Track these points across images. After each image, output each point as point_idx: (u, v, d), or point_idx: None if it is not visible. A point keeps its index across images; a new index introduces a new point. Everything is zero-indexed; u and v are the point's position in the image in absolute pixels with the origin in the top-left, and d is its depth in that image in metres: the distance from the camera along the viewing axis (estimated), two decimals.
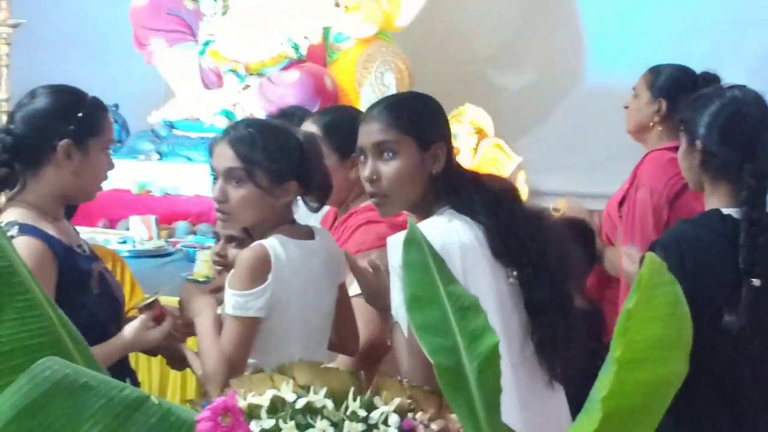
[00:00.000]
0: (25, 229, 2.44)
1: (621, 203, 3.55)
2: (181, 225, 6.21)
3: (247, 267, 2.40)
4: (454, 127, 5.77)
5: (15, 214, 2.48)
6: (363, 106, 6.23)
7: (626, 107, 3.74)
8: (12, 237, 2.36)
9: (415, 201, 2.39)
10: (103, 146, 2.56)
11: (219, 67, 6.92)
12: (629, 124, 3.72)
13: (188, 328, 2.60)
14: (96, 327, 2.44)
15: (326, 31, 6.91)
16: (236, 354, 2.38)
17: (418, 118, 2.40)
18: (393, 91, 6.68)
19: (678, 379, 1.22)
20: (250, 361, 2.45)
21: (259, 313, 2.40)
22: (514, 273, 2.35)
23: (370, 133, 2.39)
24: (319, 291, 2.53)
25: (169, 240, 5.91)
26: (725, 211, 2.55)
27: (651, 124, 3.62)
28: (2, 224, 2.41)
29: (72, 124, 2.50)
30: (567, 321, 2.37)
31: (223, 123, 6.91)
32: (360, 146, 2.42)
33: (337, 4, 6.68)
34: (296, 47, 6.75)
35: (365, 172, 2.39)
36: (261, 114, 6.78)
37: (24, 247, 2.36)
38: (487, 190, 2.40)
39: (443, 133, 2.44)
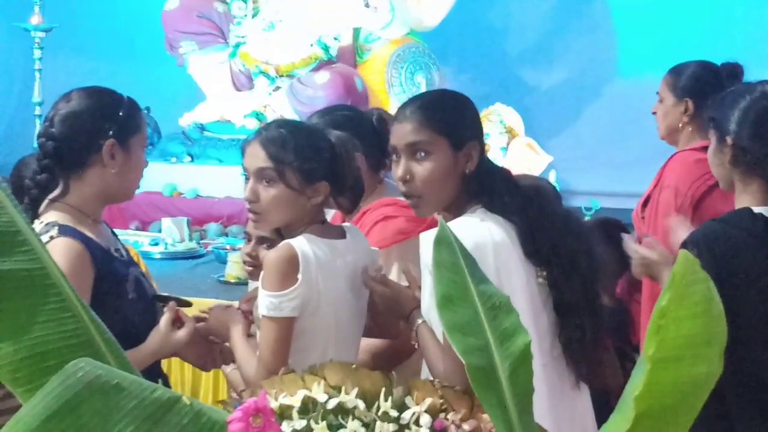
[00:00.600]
0: (65, 230, 2.43)
1: (645, 204, 3.51)
2: (212, 227, 6.23)
3: (277, 267, 2.41)
4: (485, 126, 5.76)
5: (55, 216, 2.47)
6: (393, 107, 6.24)
7: (654, 113, 3.71)
8: (52, 238, 2.36)
9: (449, 200, 2.38)
10: (142, 144, 2.58)
11: (249, 69, 6.94)
12: (660, 130, 3.68)
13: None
14: (131, 331, 2.44)
15: (356, 31, 6.92)
16: (275, 356, 2.38)
17: (451, 117, 2.39)
18: (423, 91, 6.68)
19: (712, 378, 1.20)
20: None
21: (293, 312, 2.39)
22: (544, 273, 2.34)
23: (403, 134, 2.39)
24: (350, 289, 2.52)
25: (200, 242, 5.94)
26: (756, 209, 2.52)
27: (680, 125, 3.57)
28: (42, 225, 2.42)
29: (115, 124, 2.49)
30: (595, 322, 2.35)
31: (253, 125, 6.94)
32: (393, 146, 2.41)
33: (367, 5, 6.68)
34: (326, 48, 6.76)
35: (398, 171, 2.39)
36: (292, 115, 6.80)
37: (63, 248, 2.36)
38: (519, 189, 2.39)
39: (476, 132, 2.42)
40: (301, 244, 2.42)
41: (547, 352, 2.33)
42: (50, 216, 2.47)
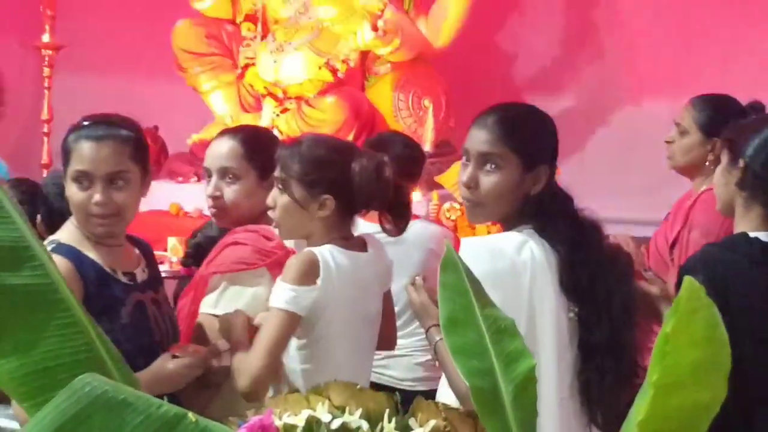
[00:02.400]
0: (59, 248, 2.46)
1: (672, 246, 3.48)
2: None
3: (298, 267, 2.48)
4: None
5: (62, 233, 2.52)
6: (400, 129, 6.25)
7: (669, 141, 3.67)
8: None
9: (505, 216, 2.37)
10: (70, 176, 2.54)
11: (257, 90, 6.97)
12: (676, 161, 3.65)
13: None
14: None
15: (364, 55, 6.94)
16: (276, 348, 2.45)
17: (529, 137, 2.37)
18: (430, 115, 6.69)
19: (716, 403, 1.21)
20: (302, 366, 2.53)
21: (304, 311, 2.46)
22: (576, 309, 2.30)
23: (478, 141, 2.36)
24: (367, 300, 2.59)
25: None
26: (752, 234, 2.54)
27: (707, 163, 3.53)
28: (47, 242, 2.46)
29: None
30: (618, 368, 2.28)
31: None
32: (466, 149, 2.39)
33: (376, 29, 6.71)
34: (334, 70, 6.79)
35: (464, 176, 2.37)
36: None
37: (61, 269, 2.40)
38: (575, 220, 2.36)
39: (550, 155, 2.40)
40: (324, 252, 2.51)
41: (568, 386, 2.29)
42: (58, 233, 2.52)
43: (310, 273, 2.46)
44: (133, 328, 2.52)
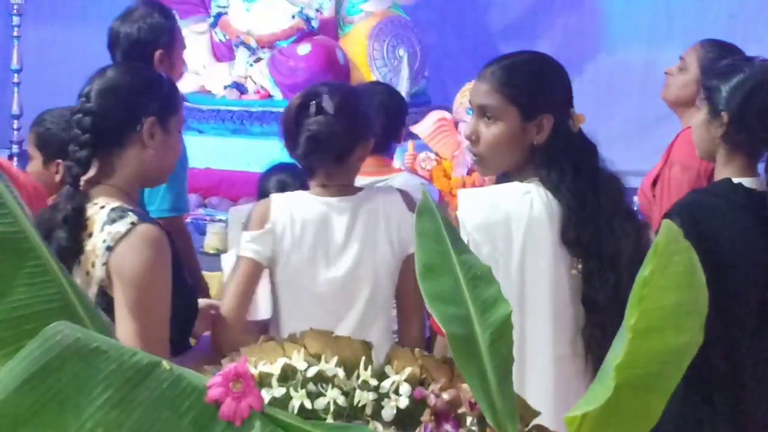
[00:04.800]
0: (142, 216, 2.30)
1: (654, 183, 3.48)
2: (191, 198, 6.20)
3: (250, 215, 2.61)
4: (465, 100, 5.74)
5: (107, 199, 2.31)
6: (374, 79, 6.21)
7: (667, 73, 3.66)
8: (133, 224, 2.22)
9: (511, 166, 2.33)
10: (179, 126, 2.46)
11: (230, 39, 6.90)
12: (669, 94, 3.64)
13: None
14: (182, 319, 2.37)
15: (338, 3, 6.88)
16: (237, 293, 2.55)
17: (527, 86, 2.31)
18: (405, 64, 6.65)
19: (693, 347, 1.21)
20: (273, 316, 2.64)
21: (255, 255, 2.55)
22: (579, 266, 2.25)
23: (477, 93, 2.33)
24: (340, 250, 2.56)
25: None
26: (735, 180, 2.53)
27: (697, 103, 3.53)
28: (107, 210, 2.27)
29: (157, 101, 2.36)
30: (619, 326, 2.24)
31: (234, 96, 6.90)
32: (469, 101, 2.39)
33: None
34: (308, 20, 6.73)
35: (467, 129, 2.36)
36: (271, 86, 6.76)
37: (153, 236, 2.24)
38: (589, 173, 2.29)
39: (554, 104, 2.32)
40: (279, 196, 2.63)
41: (567, 344, 2.26)
42: (103, 198, 2.32)
43: (259, 219, 2.57)
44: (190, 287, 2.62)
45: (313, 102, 2.58)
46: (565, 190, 2.25)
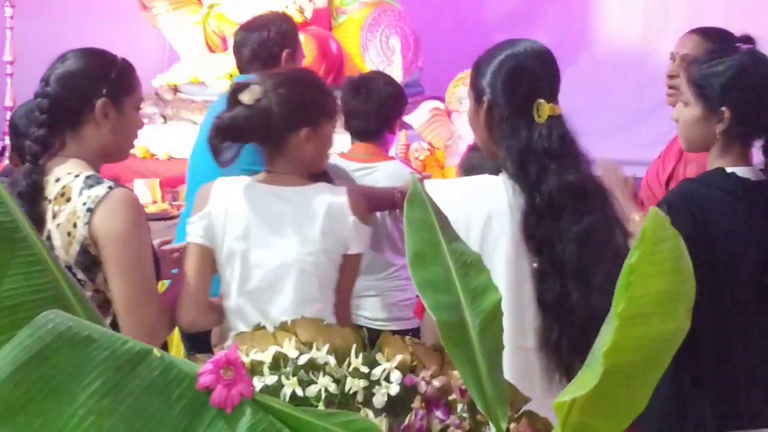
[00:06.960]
0: (114, 182, 2.55)
1: (668, 182, 3.44)
2: (184, 188, 6.20)
3: (195, 198, 2.67)
4: (460, 91, 5.75)
5: (81, 167, 2.55)
6: (368, 70, 6.20)
7: (671, 59, 3.62)
8: (111, 188, 2.47)
9: (484, 148, 2.40)
10: (135, 104, 2.69)
11: (223, 30, 6.89)
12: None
13: None
14: None
15: None
16: (189, 277, 2.60)
17: (477, 72, 2.39)
18: (398, 55, 6.65)
19: (680, 334, 1.21)
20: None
21: (196, 239, 2.62)
22: (534, 265, 2.23)
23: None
24: (280, 238, 2.58)
25: (172, 203, 5.91)
26: (728, 169, 2.54)
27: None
28: (81, 178, 2.49)
29: (107, 83, 2.59)
30: (575, 328, 2.18)
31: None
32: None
33: None
34: (301, 10, 6.72)
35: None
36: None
37: (131, 199, 2.51)
38: (557, 171, 2.24)
39: (506, 93, 2.32)
40: (223, 181, 2.65)
41: (529, 338, 2.25)
42: (76, 168, 2.54)
43: (201, 202, 2.64)
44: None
45: (234, 93, 2.65)
46: (527, 184, 2.25)
